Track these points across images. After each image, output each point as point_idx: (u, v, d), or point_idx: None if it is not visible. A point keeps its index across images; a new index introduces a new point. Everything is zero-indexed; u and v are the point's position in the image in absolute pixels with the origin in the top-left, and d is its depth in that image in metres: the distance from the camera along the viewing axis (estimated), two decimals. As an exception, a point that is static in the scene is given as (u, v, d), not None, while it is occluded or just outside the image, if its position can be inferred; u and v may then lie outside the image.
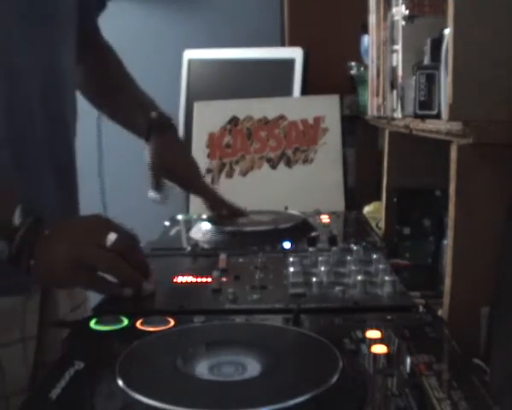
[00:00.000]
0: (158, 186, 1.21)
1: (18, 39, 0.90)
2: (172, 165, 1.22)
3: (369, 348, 0.67)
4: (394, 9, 1.33)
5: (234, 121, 1.89)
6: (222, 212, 1.25)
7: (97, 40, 1.23)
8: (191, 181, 1.27)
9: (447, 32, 0.91)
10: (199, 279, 0.93)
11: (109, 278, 0.84)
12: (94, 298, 0.91)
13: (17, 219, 0.80)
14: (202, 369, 0.61)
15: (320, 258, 0.98)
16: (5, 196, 0.85)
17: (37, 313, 0.95)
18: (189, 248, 1.11)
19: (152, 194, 1.21)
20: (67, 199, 1.00)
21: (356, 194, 1.87)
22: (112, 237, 0.82)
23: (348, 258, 0.98)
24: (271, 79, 2.07)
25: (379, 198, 1.52)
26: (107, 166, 2.49)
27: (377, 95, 1.56)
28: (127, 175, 2.31)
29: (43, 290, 0.97)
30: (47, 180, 0.95)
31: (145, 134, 1.20)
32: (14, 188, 0.88)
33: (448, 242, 0.91)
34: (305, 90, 2.00)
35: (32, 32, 0.92)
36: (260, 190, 1.75)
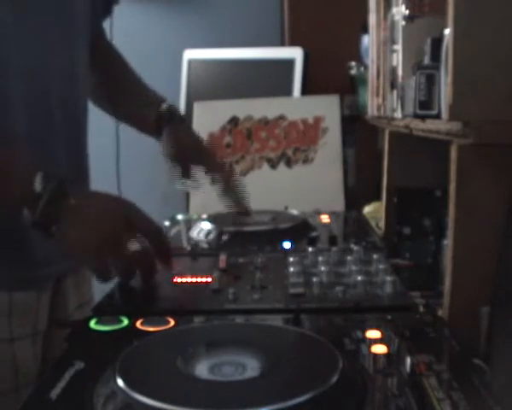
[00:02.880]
0: (187, 173, 1.21)
1: (37, 39, 0.91)
2: (192, 148, 1.23)
3: (369, 348, 0.67)
4: (394, 9, 1.33)
5: (234, 121, 1.89)
6: (230, 203, 1.23)
7: (103, 45, 1.23)
8: (210, 160, 1.26)
9: (447, 32, 0.91)
10: (199, 279, 0.93)
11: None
12: (99, 298, 0.91)
13: (38, 185, 0.80)
14: (202, 369, 0.61)
15: (320, 258, 0.98)
16: (25, 164, 0.85)
17: (48, 309, 0.97)
18: (189, 248, 1.11)
19: (181, 183, 1.22)
20: None
21: (356, 194, 1.87)
22: (133, 247, 0.84)
23: (348, 258, 0.98)
24: (271, 79, 2.07)
25: (379, 198, 1.52)
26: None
27: (377, 95, 1.56)
28: (127, 177, 2.31)
29: (54, 287, 0.99)
30: None
31: (155, 127, 1.21)
32: None
33: (448, 242, 0.91)
34: (305, 90, 2.01)
35: (51, 32, 0.93)
36: (260, 190, 1.75)
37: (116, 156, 2.39)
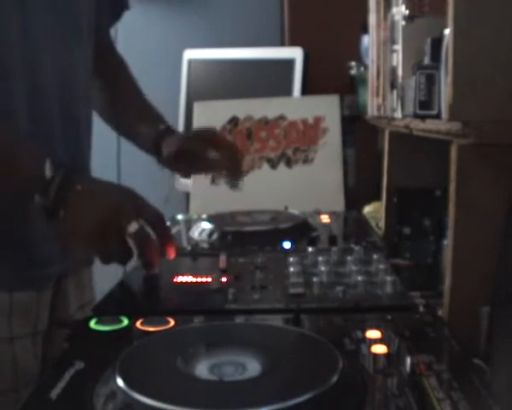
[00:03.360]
0: (190, 170, 1.26)
1: (38, 39, 0.91)
2: (193, 141, 1.23)
3: (369, 348, 0.67)
4: (394, 9, 1.33)
5: (234, 121, 1.89)
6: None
7: (111, 54, 1.22)
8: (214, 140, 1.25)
9: (447, 32, 0.91)
10: (199, 279, 0.93)
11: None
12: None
13: (48, 171, 0.82)
14: (202, 369, 0.61)
15: (320, 258, 0.98)
16: (33, 151, 0.87)
17: (48, 309, 0.98)
18: (189, 248, 1.11)
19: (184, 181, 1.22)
20: None
21: (356, 194, 1.88)
22: (133, 227, 0.84)
23: (348, 258, 0.98)
24: (271, 79, 2.07)
25: (379, 198, 1.52)
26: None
27: (377, 95, 1.56)
28: (129, 177, 2.32)
29: (55, 287, 0.99)
30: None
31: (153, 146, 1.20)
32: None
33: (448, 242, 0.91)
34: (305, 90, 2.01)
35: (51, 32, 0.94)
36: (260, 190, 1.75)
37: (117, 157, 2.40)
